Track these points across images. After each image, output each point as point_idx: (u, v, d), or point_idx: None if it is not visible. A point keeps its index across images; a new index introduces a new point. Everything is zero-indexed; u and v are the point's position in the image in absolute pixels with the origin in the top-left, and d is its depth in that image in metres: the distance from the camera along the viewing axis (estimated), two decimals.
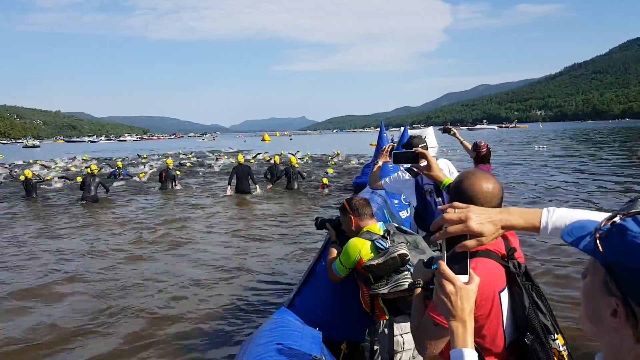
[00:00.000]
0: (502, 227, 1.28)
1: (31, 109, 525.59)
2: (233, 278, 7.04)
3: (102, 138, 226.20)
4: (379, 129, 13.13)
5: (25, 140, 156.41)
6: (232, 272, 7.31)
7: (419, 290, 1.72)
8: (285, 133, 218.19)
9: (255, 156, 32.90)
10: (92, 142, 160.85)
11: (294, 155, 23.85)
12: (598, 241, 0.93)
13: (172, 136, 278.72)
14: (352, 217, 3.25)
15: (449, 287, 1.22)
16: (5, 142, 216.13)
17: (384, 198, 6.01)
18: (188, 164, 28.94)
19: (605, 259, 0.91)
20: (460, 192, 1.77)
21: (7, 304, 6.25)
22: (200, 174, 23.19)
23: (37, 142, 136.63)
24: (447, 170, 4.73)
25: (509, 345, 1.71)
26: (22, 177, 16.45)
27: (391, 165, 7.27)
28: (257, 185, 15.10)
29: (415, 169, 2.77)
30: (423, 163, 2.71)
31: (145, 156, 37.26)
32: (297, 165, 16.57)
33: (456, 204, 1.33)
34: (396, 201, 7.43)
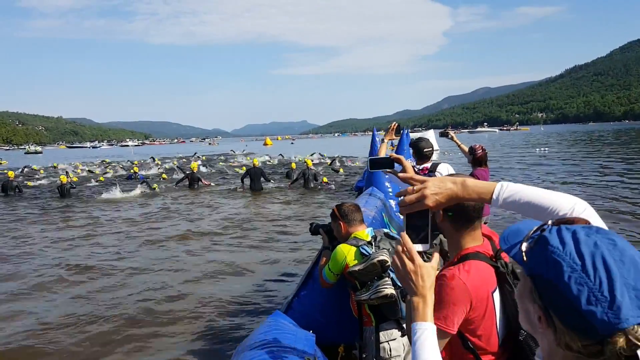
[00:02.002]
0: (456, 200, 1.32)
1: (33, 114, 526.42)
2: (234, 278, 7.12)
3: (104, 143, 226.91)
4: (380, 132, 13.25)
5: (27, 147, 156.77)
6: (233, 272, 7.41)
7: None
8: (287, 137, 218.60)
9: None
10: (93, 147, 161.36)
11: (310, 159, 24.98)
12: (523, 252, 0.95)
13: (175, 141, 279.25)
14: (342, 223, 3.29)
15: (410, 266, 1.26)
16: (7, 148, 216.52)
17: (383, 201, 6.04)
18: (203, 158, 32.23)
19: (529, 270, 0.94)
20: None
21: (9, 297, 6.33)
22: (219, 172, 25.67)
23: (39, 148, 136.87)
24: (446, 174, 4.76)
25: (502, 342, 1.75)
26: (65, 179, 18.02)
27: (389, 185, 7.31)
28: (270, 181, 16.99)
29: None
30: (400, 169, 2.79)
31: (158, 161, 38.41)
32: (312, 167, 18.10)
33: (415, 177, 1.39)
34: (393, 202, 7.45)
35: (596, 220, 1.17)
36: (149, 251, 8.96)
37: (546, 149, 36.50)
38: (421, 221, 1.33)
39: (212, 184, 19.14)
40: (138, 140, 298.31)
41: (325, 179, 17.73)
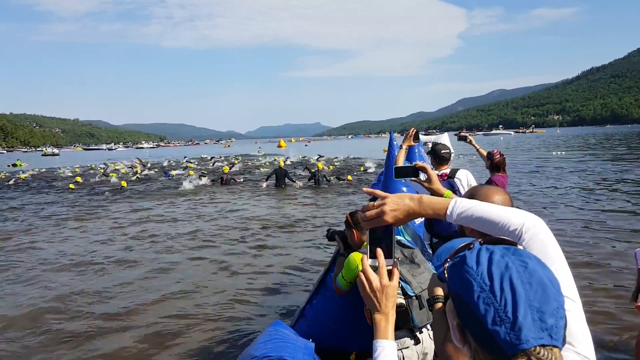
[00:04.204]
0: (414, 216, 1.37)
1: (50, 117, 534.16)
2: (244, 280, 7.11)
3: (120, 145, 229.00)
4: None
5: (44, 149, 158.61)
6: (244, 274, 7.40)
7: (439, 305, 1.67)
8: (300, 139, 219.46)
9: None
10: (109, 149, 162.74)
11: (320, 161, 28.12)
12: (445, 271, 0.98)
13: (189, 143, 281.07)
14: (355, 231, 3.33)
15: (376, 284, 1.31)
16: (25, 150, 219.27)
17: None
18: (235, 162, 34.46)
19: (449, 288, 0.97)
20: None
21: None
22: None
23: (56, 150, 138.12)
24: (466, 181, 4.72)
25: None
26: (125, 184, 21.52)
27: (405, 190, 7.25)
28: (296, 181, 19.33)
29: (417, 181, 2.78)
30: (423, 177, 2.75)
31: (185, 162, 40.53)
32: (322, 169, 20.45)
33: (377, 192, 1.42)
34: None
35: (544, 237, 1.21)
36: (167, 248, 9.11)
37: (563, 152, 36.07)
38: (385, 236, 1.35)
39: (241, 180, 22.00)
40: (153, 142, 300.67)
41: (350, 177, 20.42)
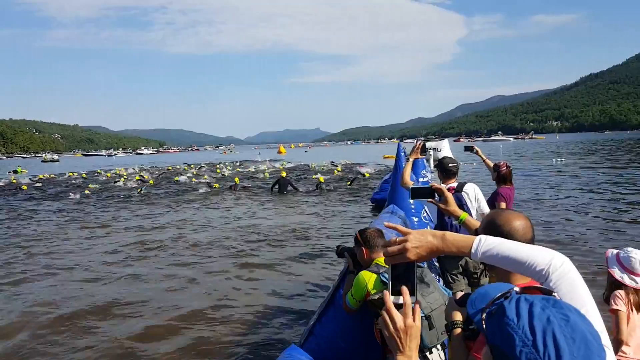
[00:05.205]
0: (437, 253, 1.36)
1: (50, 123, 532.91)
2: (249, 301, 6.97)
3: (120, 151, 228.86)
4: (393, 140, 13.16)
5: (44, 155, 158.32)
6: (252, 292, 7.29)
7: (458, 330, 1.67)
8: (300, 145, 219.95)
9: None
10: (109, 155, 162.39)
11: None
12: (483, 321, 0.96)
13: (188, 149, 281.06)
14: (364, 249, 3.26)
15: (400, 324, 1.24)
16: (24, 156, 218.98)
17: (404, 220, 5.93)
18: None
19: (488, 339, 0.95)
20: (495, 227, 1.76)
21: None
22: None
23: (55, 156, 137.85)
24: (473, 195, 4.68)
25: None
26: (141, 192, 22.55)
27: (412, 202, 7.22)
28: (298, 189, 20.96)
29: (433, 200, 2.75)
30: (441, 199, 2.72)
31: (192, 166, 42.71)
32: (323, 181, 22.24)
33: (400, 227, 1.41)
34: (416, 219, 7.34)
35: (573, 277, 1.21)
36: (175, 260, 9.13)
37: (562, 159, 36.07)
38: (407, 273, 1.33)
39: (250, 185, 23.81)
40: (152, 148, 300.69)
41: (349, 183, 22.24)
